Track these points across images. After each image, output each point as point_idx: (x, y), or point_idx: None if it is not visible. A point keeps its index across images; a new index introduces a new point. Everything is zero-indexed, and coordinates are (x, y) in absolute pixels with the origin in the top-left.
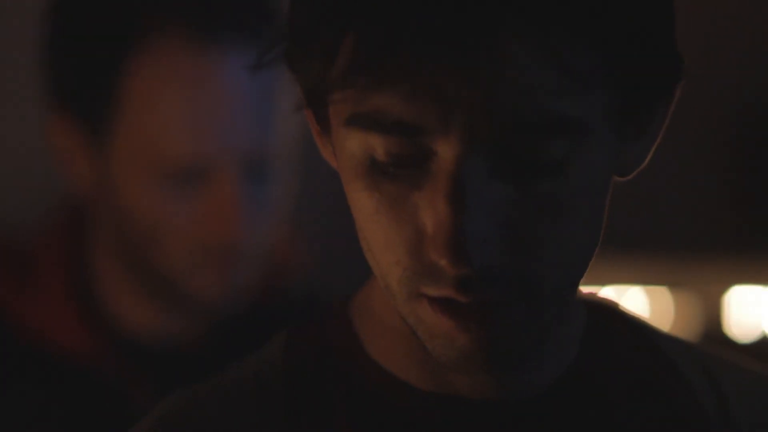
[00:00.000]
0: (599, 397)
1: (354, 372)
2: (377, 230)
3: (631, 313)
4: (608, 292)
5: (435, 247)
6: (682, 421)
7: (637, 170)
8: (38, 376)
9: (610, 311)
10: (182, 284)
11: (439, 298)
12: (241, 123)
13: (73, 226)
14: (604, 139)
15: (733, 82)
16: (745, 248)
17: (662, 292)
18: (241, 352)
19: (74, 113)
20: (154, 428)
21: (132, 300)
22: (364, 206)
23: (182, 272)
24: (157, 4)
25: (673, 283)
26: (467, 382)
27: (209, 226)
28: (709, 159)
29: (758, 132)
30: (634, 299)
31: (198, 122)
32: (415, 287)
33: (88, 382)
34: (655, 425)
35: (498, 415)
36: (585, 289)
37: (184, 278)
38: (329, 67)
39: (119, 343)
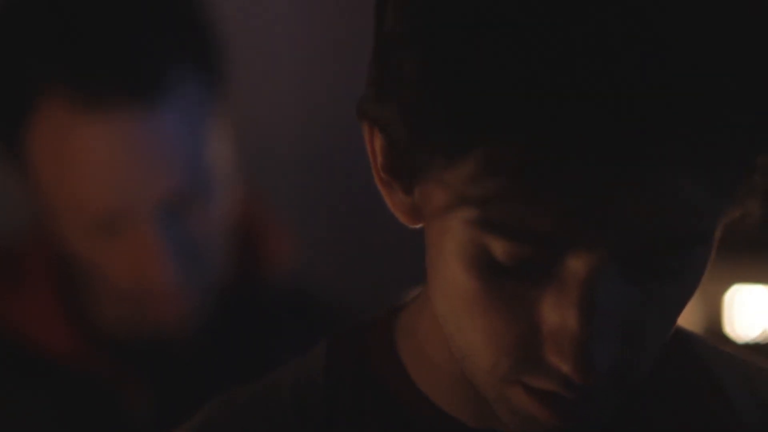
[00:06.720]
0: (637, 406)
1: (399, 400)
2: (482, 316)
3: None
4: None
5: (559, 353)
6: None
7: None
8: (28, 377)
9: None
10: (137, 315)
11: (539, 389)
12: (151, 169)
13: None
14: (714, 239)
15: None
16: (746, 247)
17: None
18: (230, 344)
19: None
20: None
21: (114, 303)
22: (469, 292)
23: (129, 310)
24: (40, 71)
25: None
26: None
27: (135, 273)
28: None
29: None
30: None
31: (99, 178)
32: (515, 375)
33: (78, 382)
34: None
35: None
36: None
37: (135, 312)
38: (453, 162)
39: (108, 343)
